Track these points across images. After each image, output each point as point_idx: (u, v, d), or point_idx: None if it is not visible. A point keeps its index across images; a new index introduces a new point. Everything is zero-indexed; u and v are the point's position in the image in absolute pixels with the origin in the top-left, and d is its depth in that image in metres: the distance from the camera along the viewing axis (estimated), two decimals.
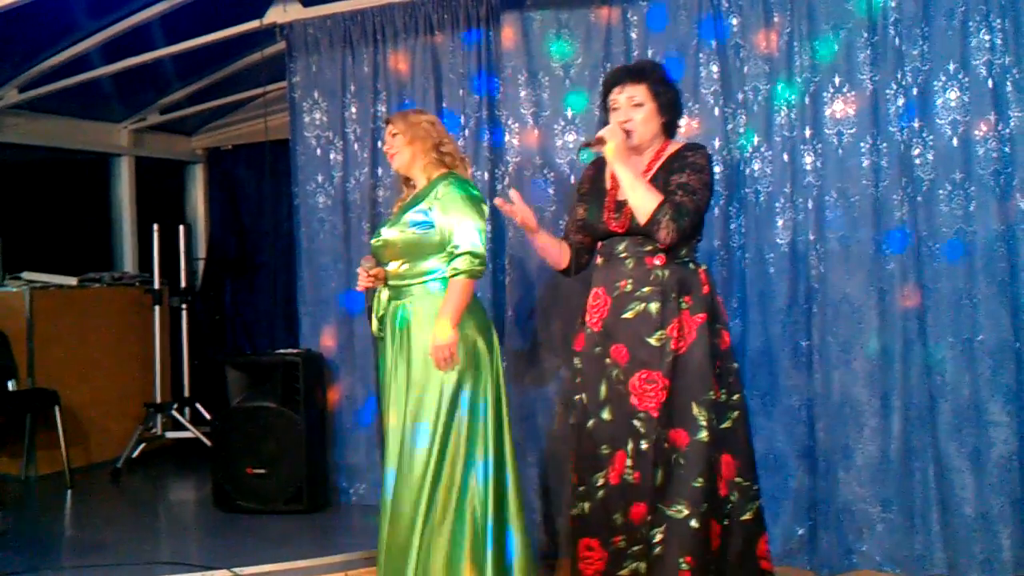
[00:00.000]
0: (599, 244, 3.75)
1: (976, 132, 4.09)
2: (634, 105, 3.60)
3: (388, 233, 3.85)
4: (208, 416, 6.77)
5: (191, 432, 6.66)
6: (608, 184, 3.70)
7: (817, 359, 4.34)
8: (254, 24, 5.65)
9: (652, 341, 3.51)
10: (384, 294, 3.90)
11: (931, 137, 4.17)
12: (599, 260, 3.74)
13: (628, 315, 3.56)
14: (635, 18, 4.70)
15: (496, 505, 3.71)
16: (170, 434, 6.83)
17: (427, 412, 3.70)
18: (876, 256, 4.27)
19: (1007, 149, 4.06)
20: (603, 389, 3.60)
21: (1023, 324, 4.03)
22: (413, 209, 3.82)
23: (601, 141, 3.51)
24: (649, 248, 3.55)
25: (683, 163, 3.56)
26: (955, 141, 4.13)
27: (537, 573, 3.91)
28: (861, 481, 4.30)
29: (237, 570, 4.26)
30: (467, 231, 3.72)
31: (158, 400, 6.92)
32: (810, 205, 4.37)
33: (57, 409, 6.06)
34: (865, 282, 4.29)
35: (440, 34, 5.17)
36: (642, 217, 3.47)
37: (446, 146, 3.92)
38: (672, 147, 3.66)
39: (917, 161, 4.19)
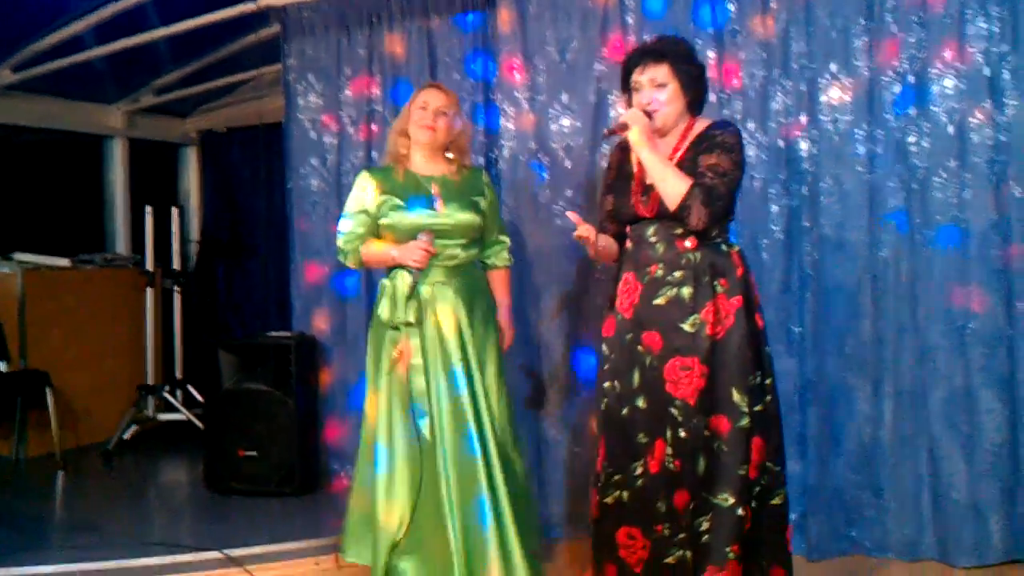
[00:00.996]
0: (628, 228, 3.60)
1: (972, 120, 4.10)
2: (657, 86, 3.43)
3: (461, 215, 3.90)
4: (200, 398, 6.77)
5: (183, 414, 6.65)
6: (635, 167, 3.55)
7: (810, 345, 4.35)
8: (249, 6, 5.63)
9: (686, 327, 3.38)
10: (407, 277, 3.84)
11: (927, 124, 4.17)
12: (628, 244, 3.59)
13: (660, 301, 3.43)
14: (631, 3, 4.69)
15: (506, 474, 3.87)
16: (162, 416, 6.82)
17: (500, 385, 3.93)
18: (870, 243, 4.28)
19: (1003, 137, 4.06)
20: (636, 377, 3.47)
21: (1016, 312, 4.05)
22: (472, 195, 3.96)
23: (624, 127, 3.38)
24: (679, 231, 3.41)
25: (712, 143, 3.41)
26: (951, 129, 4.13)
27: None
28: (853, 467, 4.32)
29: (228, 552, 4.26)
30: (505, 227, 4.22)
31: (150, 382, 6.92)
32: (805, 191, 4.37)
33: (49, 391, 6.06)
34: (859, 269, 4.30)
35: (436, 17, 5.15)
36: (672, 203, 3.34)
37: (470, 142, 4.20)
38: (699, 125, 3.50)
39: (912, 148, 4.20)
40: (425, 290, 3.85)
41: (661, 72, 3.44)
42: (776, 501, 3.49)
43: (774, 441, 3.48)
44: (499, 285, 4.14)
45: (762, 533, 3.45)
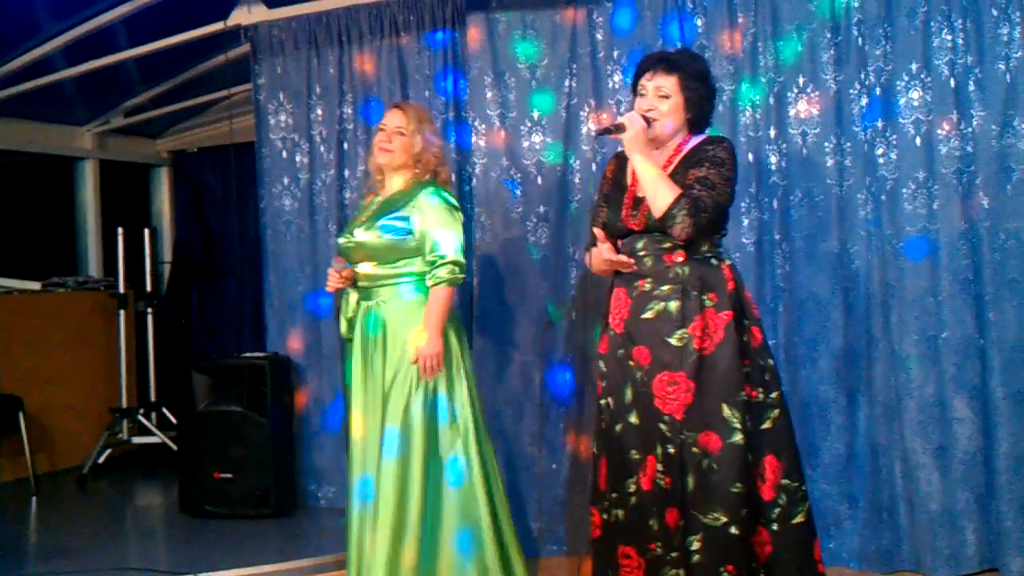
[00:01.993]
0: (619, 243, 3.55)
1: (939, 131, 4.13)
2: (661, 96, 3.41)
3: (362, 235, 3.84)
4: (174, 421, 6.72)
5: (157, 437, 6.60)
6: (629, 180, 3.53)
7: (783, 358, 4.35)
8: (218, 26, 5.62)
9: (673, 341, 3.32)
10: (353, 296, 3.90)
11: (894, 136, 4.20)
12: None
13: (648, 315, 3.38)
14: (600, 19, 4.71)
15: (470, 505, 3.78)
16: (136, 439, 6.78)
17: (403, 416, 3.73)
18: (841, 255, 4.30)
19: (969, 148, 4.10)
20: (628, 392, 3.43)
21: (987, 321, 4.07)
22: (390, 215, 3.83)
23: (620, 128, 3.35)
24: (668, 245, 3.37)
25: (703, 156, 3.38)
26: (918, 140, 4.16)
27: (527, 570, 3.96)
28: (828, 478, 4.33)
29: (204, 575, 4.23)
30: (449, 240, 3.81)
31: (124, 405, 6.85)
32: (775, 205, 4.40)
33: (21, 415, 5.99)
34: (830, 281, 4.32)
35: (406, 35, 5.16)
36: (657, 211, 3.30)
37: (439, 158, 3.99)
38: (694, 141, 3.48)
39: (881, 160, 4.23)
40: (366, 308, 3.87)
41: (669, 83, 3.42)
42: (799, 519, 3.39)
43: (788, 458, 3.40)
44: (428, 304, 3.82)
45: (788, 554, 3.35)
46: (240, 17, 5.53)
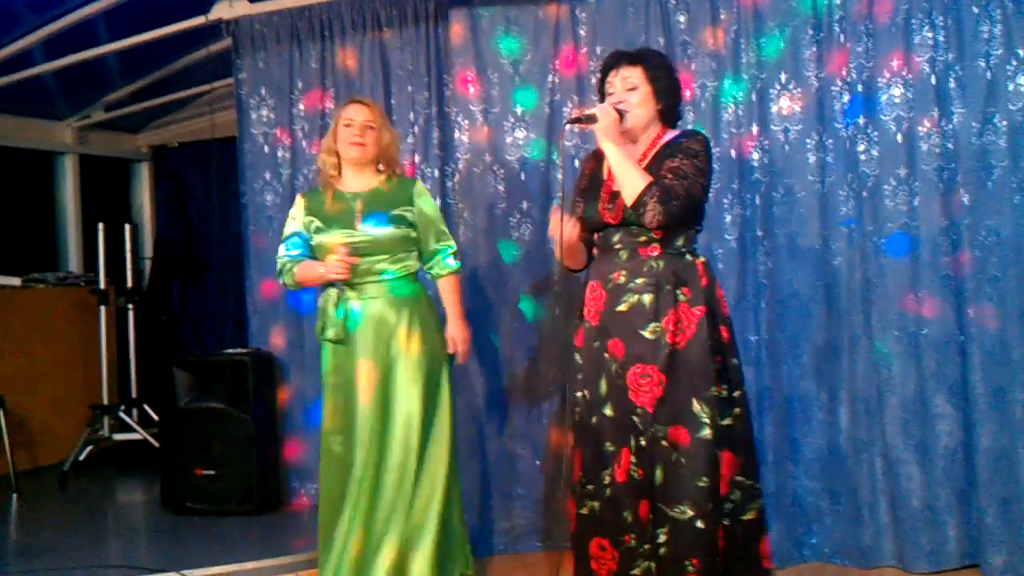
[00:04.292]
0: (596, 236, 3.59)
1: (920, 128, 4.15)
2: (629, 88, 3.45)
3: (374, 229, 3.84)
4: (156, 417, 6.70)
5: (139, 434, 6.58)
6: (606, 175, 3.54)
7: (765, 354, 4.38)
8: (199, 20, 5.58)
9: (646, 334, 3.36)
10: (333, 293, 3.87)
11: (876, 133, 4.22)
12: (595, 252, 3.60)
13: (622, 308, 3.42)
14: (583, 15, 4.71)
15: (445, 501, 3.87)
16: (117, 436, 6.74)
17: (421, 404, 3.83)
18: (822, 251, 4.32)
19: (950, 145, 4.12)
20: (603, 385, 3.46)
21: (967, 318, 4.09)
22: (395, 208, 3.88)
23: (592, 118, 3.38)
24: (643, 239, 3.40)
25: (677, 148, 3.40)
26: (899, 137, 4.18)
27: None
28: (810, 474, 4.35)
29: (186, 572, 4.21)
30: (448, 233, 4.05)
31: (105, 402, 6.83)
32: (757, 201, 4.41)
33: (1, 412, 5.96)
34: (812, 277, 4.34)
35: (388, 30, 5.14)
36: (629, 198, 3.32)
37: (398, 151, 4.11)
38: (669, 135, 3.50)
39: (862, 157, 4.24)
40: (358, 305, 3.86)
41: (635, 74, 3.47)
42: (750, 516, 3.45)
43: (745, 455, 3.45)
44: (445, 293, 4.05)
45: (735, 548, 3.40)
46: (222, 11, 5.49)
